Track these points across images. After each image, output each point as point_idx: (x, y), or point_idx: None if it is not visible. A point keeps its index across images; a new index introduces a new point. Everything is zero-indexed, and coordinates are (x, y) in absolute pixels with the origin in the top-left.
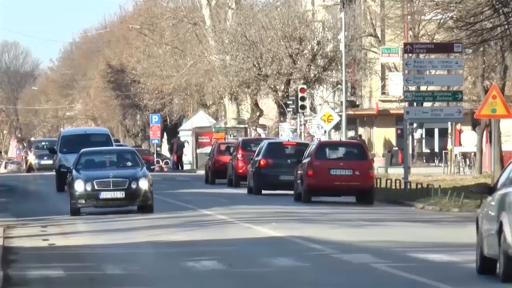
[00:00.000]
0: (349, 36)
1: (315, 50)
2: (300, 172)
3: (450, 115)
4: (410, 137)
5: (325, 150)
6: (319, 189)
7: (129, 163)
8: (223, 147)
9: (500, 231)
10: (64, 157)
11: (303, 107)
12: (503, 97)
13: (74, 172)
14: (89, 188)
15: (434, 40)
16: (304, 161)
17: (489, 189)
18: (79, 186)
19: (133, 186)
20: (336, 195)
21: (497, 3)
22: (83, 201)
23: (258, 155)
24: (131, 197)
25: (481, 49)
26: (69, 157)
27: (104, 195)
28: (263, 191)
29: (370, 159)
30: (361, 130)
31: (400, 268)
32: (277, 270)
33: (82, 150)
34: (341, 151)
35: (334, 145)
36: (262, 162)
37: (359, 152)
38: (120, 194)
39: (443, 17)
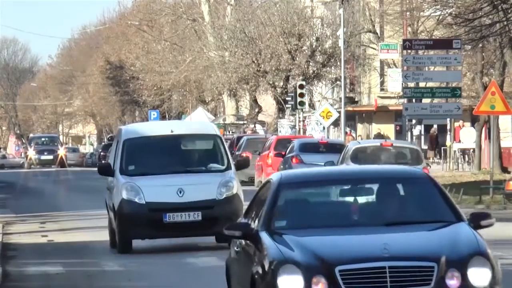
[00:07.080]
0: (348, 32)
1: (314, 46)
2: (260, 163)
3: (449, 111)
4: (409, 133)
5: (281, 144)
6: None
7: (412, 211)
8: None
9: None
10: (131, 185)
11: (301, 103)
12: (502, 93)
13: (269, 241)
14: None
15: (433, 37)
16: (263, 153)
17: None
18: None
19: (451, 282)
20: None
21: None
22: None
23: (239, 149)
24: None
25: (480, 45)
26: (142, 182)
27: None
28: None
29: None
30: (360, 127)
31: None
32: None
33: (282, 174)
34: None
35: (288, 140)
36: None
37: None
38: None
39: (442, 13)
